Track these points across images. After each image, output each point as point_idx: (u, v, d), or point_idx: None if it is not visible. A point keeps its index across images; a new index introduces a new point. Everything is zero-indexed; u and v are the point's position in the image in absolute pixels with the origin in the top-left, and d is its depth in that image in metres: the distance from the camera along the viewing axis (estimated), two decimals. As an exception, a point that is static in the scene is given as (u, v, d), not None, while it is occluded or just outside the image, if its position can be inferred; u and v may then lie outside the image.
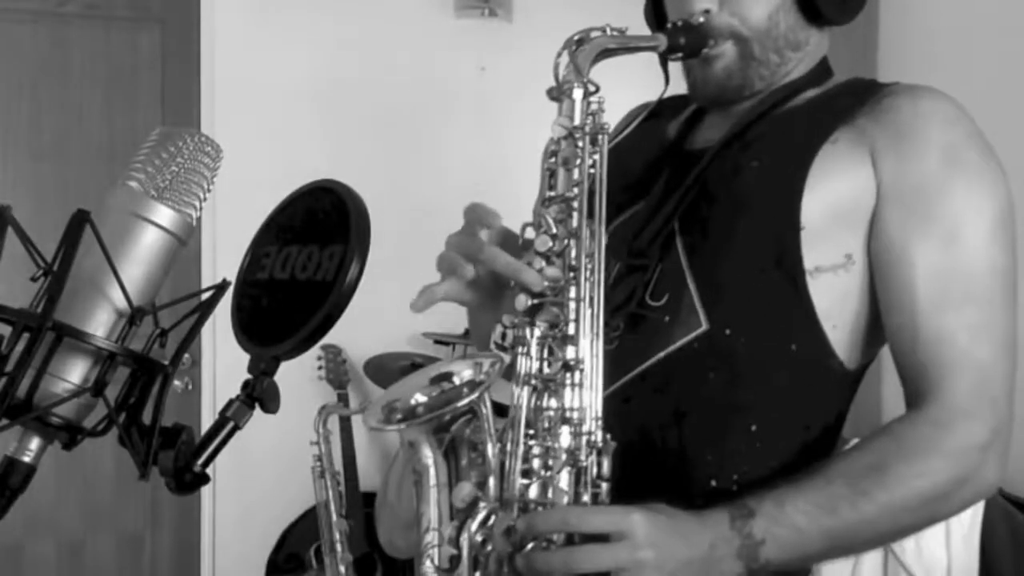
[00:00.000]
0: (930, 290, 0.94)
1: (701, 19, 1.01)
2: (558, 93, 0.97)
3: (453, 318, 3.07)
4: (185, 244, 0.72)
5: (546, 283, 0.92)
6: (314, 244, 0.72)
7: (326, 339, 0.70)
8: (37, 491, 0.76)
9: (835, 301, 0.98)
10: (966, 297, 0.94)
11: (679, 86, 1.12)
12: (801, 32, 1.04)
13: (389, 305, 2.92)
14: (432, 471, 0.93)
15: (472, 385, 0.95)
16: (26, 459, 0.67)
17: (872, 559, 1.85)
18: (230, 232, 2.69)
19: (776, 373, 0.98)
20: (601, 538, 0.85)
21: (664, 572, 0.85)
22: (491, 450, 0.92)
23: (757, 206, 0.99)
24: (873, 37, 2.54)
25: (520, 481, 0.90)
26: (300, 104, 3.03)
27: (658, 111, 1.17)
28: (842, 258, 0.97)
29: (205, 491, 2.95)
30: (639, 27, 1.09)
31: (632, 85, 1.24)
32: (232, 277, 0.76)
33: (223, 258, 2.87)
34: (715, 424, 0.98)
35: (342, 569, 2.42)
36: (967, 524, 1.79)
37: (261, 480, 2.98)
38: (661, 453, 0.99)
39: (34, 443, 0.67)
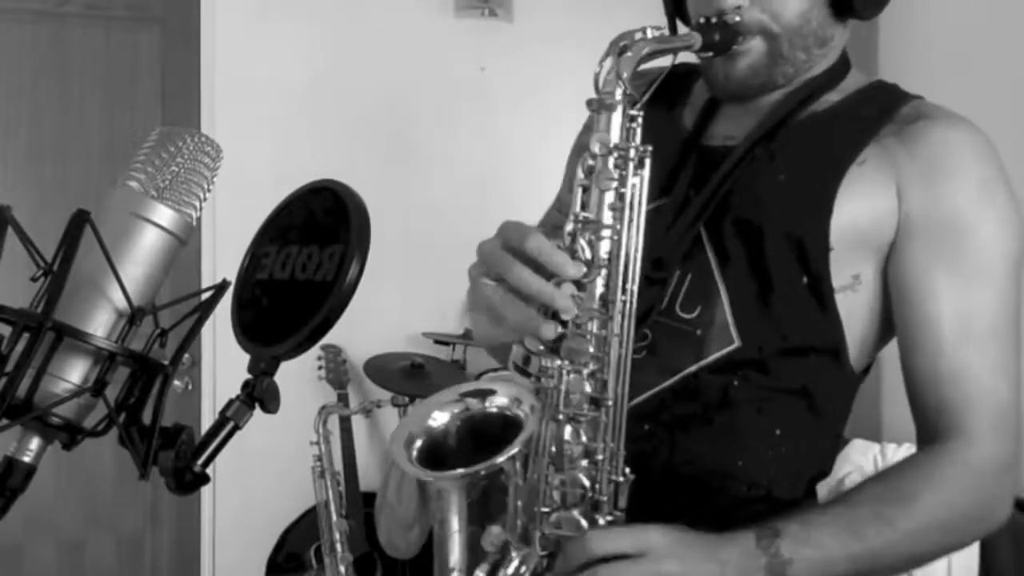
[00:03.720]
0: (955, 327, 0.95)
1: (737, 17, 0.97)
2: (599, 105, 0.91)
3: (453, 318, 3.08)
4: (185, 244, 0.72)
5: (576, 312, 0.87)
6: (314, 244, 0.72)
7: (326, 339, 0.70)
8: (37, 491, 0.76)
9: (849, 320, 0.99)
10: (987, 335, 0.95)
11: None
12: (829, 28, 1.02)
13: (389, 305, 2.94)
14: (456, 517, 0.93)
15: (503, 423, 0.94)
16: (26, 459, 0.67)
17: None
18: (230, 232, 2.69)
19: (796, 380, 1.00)
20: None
21: None
22: (513, 490, 0.91)
23: (787, 223, 0.98)
24: (873, 37, 2.53)
25: (541, 511, 0.90)
26: (300, 104, 3.03)
27: (658, 93, 1.11)
28: (850, 279, 0.98)
29: (205, 491, 2.95)
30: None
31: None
32: (232, 277, 0.76)
33: (223, 258, 2.87)
34: (742, 431, 0.99)
35: (342, 569, 2.42)
36: (967, 524, 1.78)
37: (261, 480, 2.98)
38: (694, 464, 1.00)
39: (34, 443, 0.67)
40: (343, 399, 2.94)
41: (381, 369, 2.89)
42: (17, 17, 2.89)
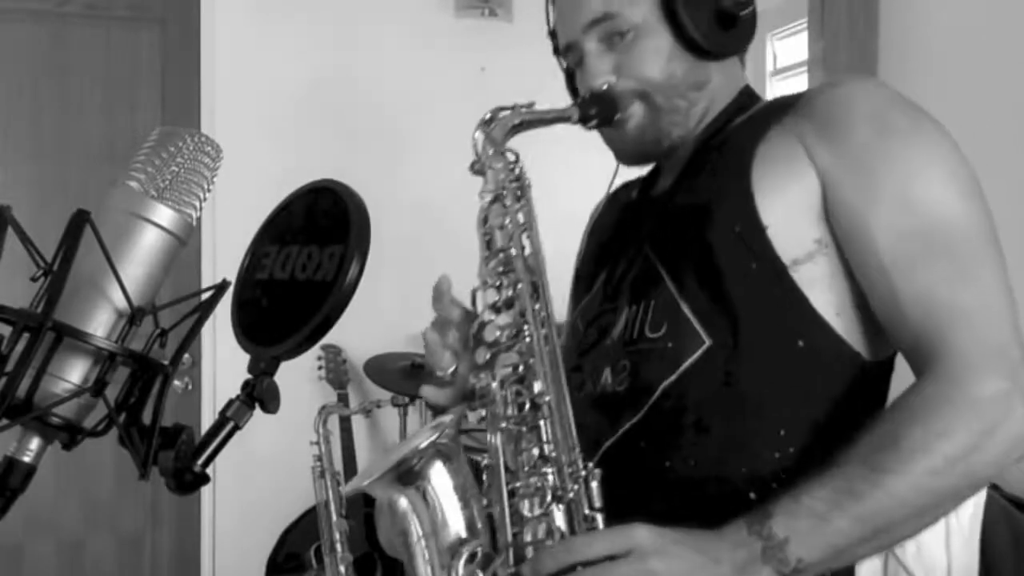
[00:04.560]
0: (894, 254, 0.93)
1: (605, 87, 1.07)
2: (480, 167, 1.04)
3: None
4: (185, 244, 0.72)
5: (498, 332, 0.97)
6: (314, 244, 0.72)
7: (326, 339, 0.71)
8: (37, 491, 0.76)
9: (824, 289, 0.97)
10: (931, 251, 0.93)
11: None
12: (700, 71, 1.08)
13: (389, 305, 2.93)
14: (413, 525, 0.94)
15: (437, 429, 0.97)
16: (26, 459, 0.67)
17: (872, 562, 1.84)
18: (230, 232, 2.69)
19: (790, 374, 0.98)
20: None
21: None
22: (470, 492, 0.94)
23: (720, 217, 1.00)
24: (873, 37, 2.54)
25: (511, 526, 0.91)
26: (300, 104, 3.03)
27: (621, 190, 1.25)
28: (813, 244, 0.97)
29: (205, 491, 2.95)
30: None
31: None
32: (232, 277, 0.76)
33: (223, 258, 2.87)
34: (742, 436, 0.97)
35: (342, 569, 2.42)
36: (967, 525, 1.78)
37: (261, 480, 2.98)
38: (696, 477, 0.98)
39: (34, 443, 0.67)
40: (343, 399, 2.94)
41: (381, 369, 2.90)
42: (17, 17, 2.89)
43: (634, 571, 0.83)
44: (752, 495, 0.95)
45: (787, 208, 0.98)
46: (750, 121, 1.07)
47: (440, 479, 0.94)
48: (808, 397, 0.98)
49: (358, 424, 2.98)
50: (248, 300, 0.75)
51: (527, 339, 0.96)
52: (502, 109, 1.05)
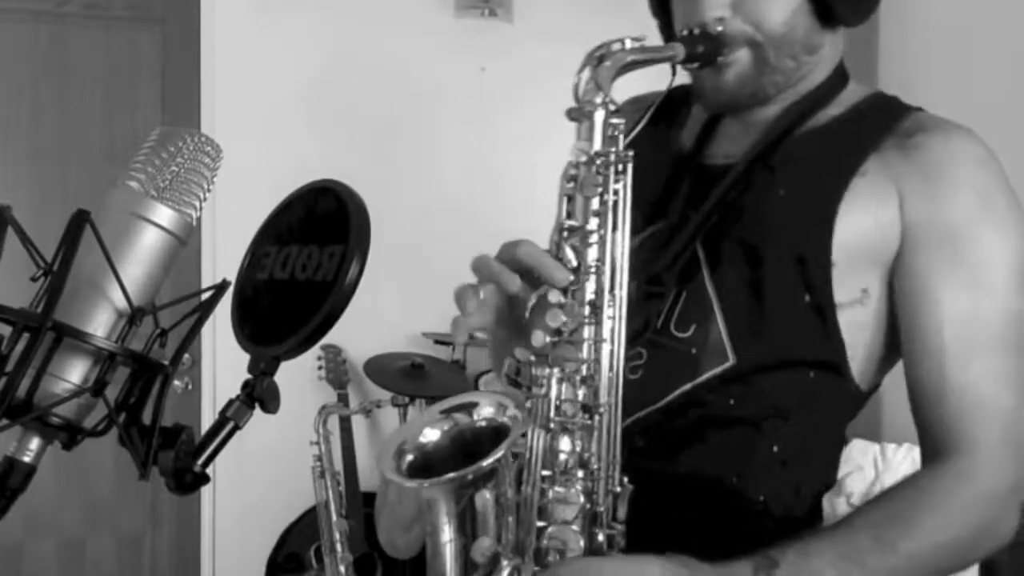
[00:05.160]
0: (958, 338, 0.93)
1: (719, 28, 0.97)
2: (578, 114, 0.91)
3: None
4: (185, 244, 0.71)
5: (564, 319, 0.87)
6: (314, 244, 0.72)
7: (326, 339, 0.70)
8: (37, 491, 0.76)
9: (853, 333, 0.98)
10: (992, 345, 0.94)
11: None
12: (816, 36, 1.01)
13: (389, 305, 2.94)
14: (447, 527, 0.91)
15: (494, 433, 0.91)
16: (26, 459, 0.67)
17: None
18: (230, 232, 2.69)
19: (796, 398, 0.99)
20: None
21: None
22: (510, 507, 0.89)
23: (787, 239, 0.97)
24: (873, 37, 2.53)
25: (536, 525, 0.88)
26: (300, 104, 3.03)
27: (657, 115, 1.13)
28: (859, 293, 0.97)
29: (205, 491, 2.95)
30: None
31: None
32: (232, 277, 0.76)
33: (223, 258, 2.87)
34: (738, 447, 0.99)
35: (342, 569, 2.42)
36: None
37: (261, 480, 2.98)
38: (687, 478, 0.99)
39: (34, 443, 0.67)
40: (343, 399, 2.94)
41: (381, 369, 2.90)
42: (17, 17, 2.89)
43: None
44: (745, 503, 0.98)
45: (856, 249, 0.96)
46: (844, 129, 1.01)
47: (485, 494, 0.90)
48: (806, 421, 1.00)
49: (358, 424, 2.98)
50: (248, 300, 0.75)
51: (590, 343, 0.89)
52: (613, 42, 0.92)
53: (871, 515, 0.92)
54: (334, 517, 2.52)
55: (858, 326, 0.98)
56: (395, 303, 2.92)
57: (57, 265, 0.66)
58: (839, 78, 1.05)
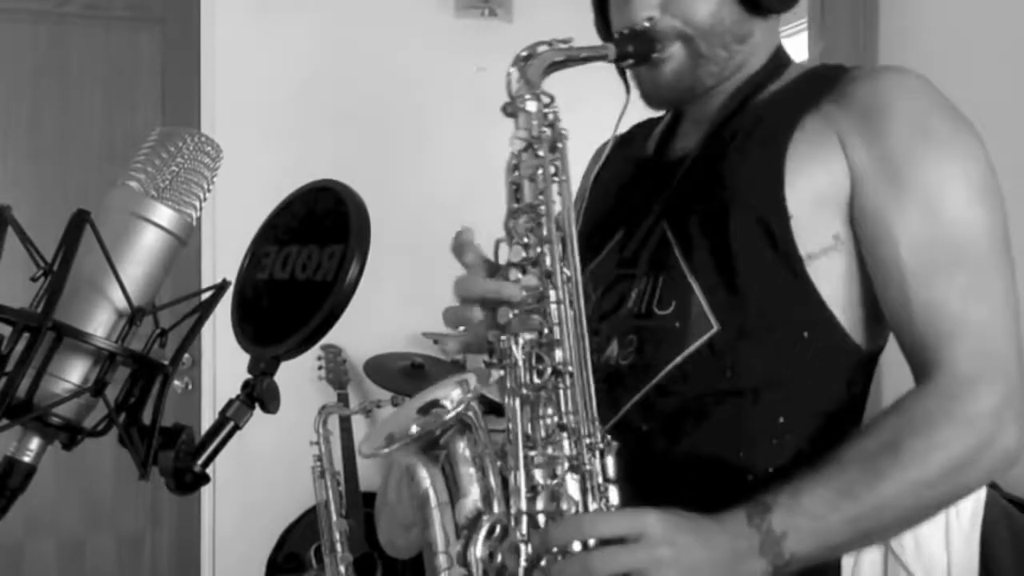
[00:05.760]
0: (916, 261, 0.94)
1: (647, 24, 1.02)
2: (513, 108, 0.98)
3: (453, 318, 3.08)
4: (185, 244, 0.72)
5: (524, 293, 0.93)
6: (314, 244, 0.72)
7: (326, 339, 0.71)
8: (37, 491, 0.76)
9: (835, 284, 0.98)
10: (953, 263, 0.94)
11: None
12: (746, 24, 1.05)
13: (389, 305, 2.94)
14: (432, 493, 0.93)
15: (462, 402, 0.95)
16: (26, 459, 0.67)
17: (871, 558, 1.84)
18: (230, 232, 2.69)
19: (794, 363, 0.99)
20: (617, 542, 0.85)
21: (683, 569, 0.84)
22: (489, 463, 0.92)
23: (744, 202, 0.99)
24: (873, 37, 2.54)
25: (526, 494, 0.90)
26: (300, 104, 3.03)
27: (630, 136, 1.21)
28: (831, 240, 0.98)
29: (205, 491, 2.95)
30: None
31: (600, 93, 1.23)
32: (232, 277, 0.76)
33: (223, 258, 2.87)
34: (740, 420, 0.99)
35: (342, 569, 2.42)
36: (967, 524, 1.78)
37: (261, 480, 2.98)
38: (694, 456, 0.99)
39: (34, 443, 0.67)
40: (343, 399, 2.94)
41: (381, 369, 2.89)
42: (17, 17, 2.89)
43: (644, 557, 0.84)
44: (750, 477, 0.98)
45: (813, 200, 0.98)
46: (785, 96, 1.05)
47: (460, 448, 0.93)
48: (808, 386, 0.99)
49: (358, 424, 2.98)
50: (248, 300, 0.75)
51: (552, 304, 0.93)
52: (540, 44, 0.99)
53: (859, 447, 0.91)
54: (334, 517, 2.51)
55: (836, 275, 0.98)
56: (395, 303, 2.92)
57: (57, 265, 0.66)
58: (778, 61, 1.09)
